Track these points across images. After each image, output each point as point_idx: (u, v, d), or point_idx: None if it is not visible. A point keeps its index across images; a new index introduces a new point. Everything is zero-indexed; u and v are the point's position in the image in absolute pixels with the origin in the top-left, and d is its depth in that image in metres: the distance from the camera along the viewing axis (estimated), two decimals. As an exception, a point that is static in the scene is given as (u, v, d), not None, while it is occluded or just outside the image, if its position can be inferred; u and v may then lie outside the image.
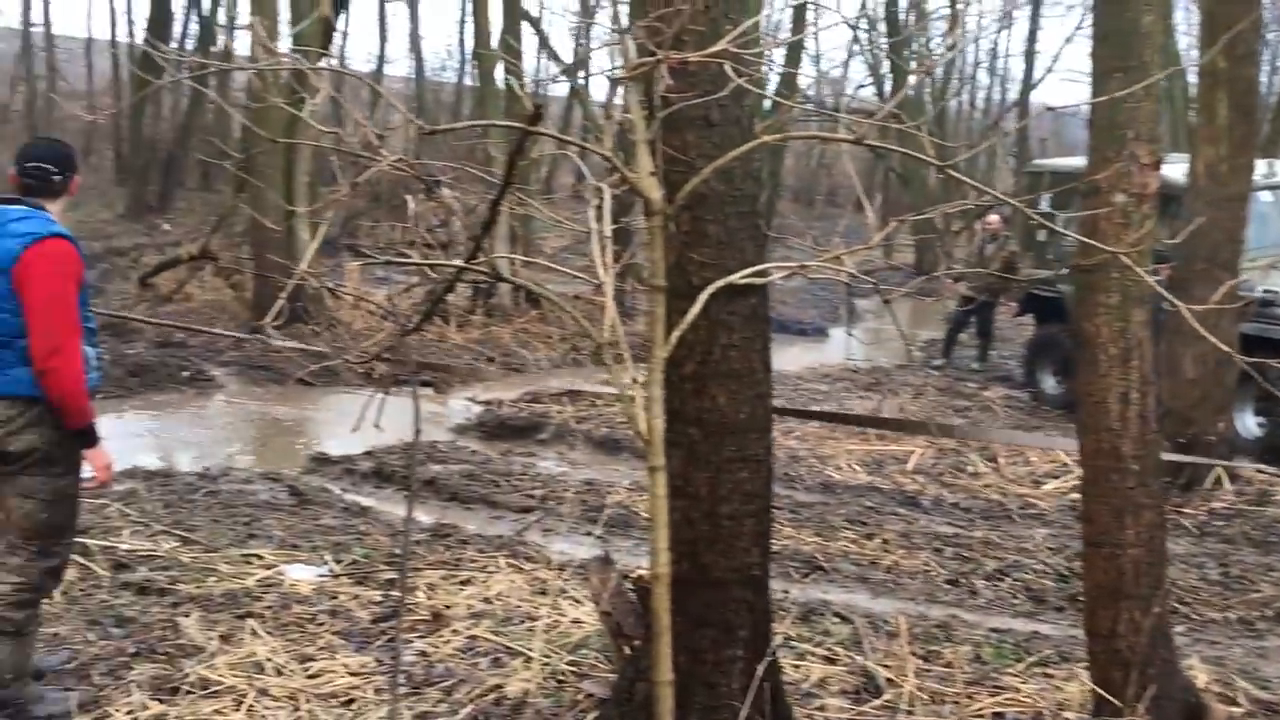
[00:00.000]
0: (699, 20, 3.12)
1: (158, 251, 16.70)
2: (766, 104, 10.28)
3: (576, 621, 4.94)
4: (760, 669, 3.32)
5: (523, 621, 4.97)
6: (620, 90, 2.98)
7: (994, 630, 5.36)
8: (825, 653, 4.74)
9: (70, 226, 3.99)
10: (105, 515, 6.18)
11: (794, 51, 19.96)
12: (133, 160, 26.85)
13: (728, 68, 2.86)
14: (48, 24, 36.44)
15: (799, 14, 18.66)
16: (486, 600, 5.29)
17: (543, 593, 5.39)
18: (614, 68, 3.21)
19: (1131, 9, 3.61)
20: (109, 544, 5.71)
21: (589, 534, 6.73)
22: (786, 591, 5.65)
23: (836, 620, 5.23)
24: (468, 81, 33.45)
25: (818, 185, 41.09)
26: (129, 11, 35.13)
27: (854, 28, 24.04)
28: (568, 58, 25.38)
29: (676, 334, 2.99)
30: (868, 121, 2.97)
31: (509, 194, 3.09)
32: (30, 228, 3.74)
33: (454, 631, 4.83)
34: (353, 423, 3.26)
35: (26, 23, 35.37)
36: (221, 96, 19.19)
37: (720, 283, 3.07)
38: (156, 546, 5.80)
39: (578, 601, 5.15)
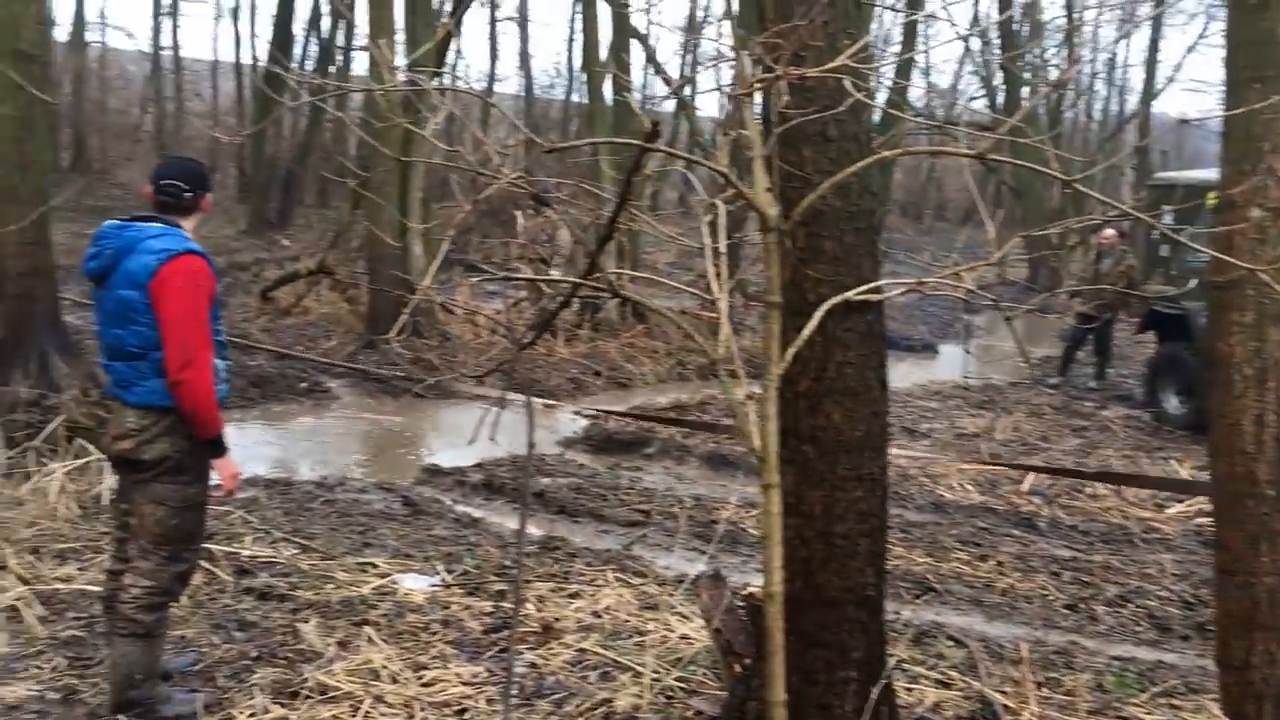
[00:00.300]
0: (817, 35, 3.10)
1: (277, 266, 17.21)
2: (875, 117, 10.17)
3: (685, 638, 4.92)
4: (875, 692, 3.27)
5: (631, 636, 4.98)
6: (734, 106, 2.97)
7: (1116, 658, 5.19)
8: (939, 677, 4.64)
9: (199, 242, 4.15)
10: (229, 522, 6.37)
11: (904, 64, 19.72)
12: (254, 178, 27.74)
13: (847, 83, 2.84)
14: (176, 48, 37.99)
15: (910, 27, 18.42)
16: (595, 614, 5.31)
17: (651, 607, 5.39)
18: (729, 84, 3.22)
19: (1267, 17, 3.47)
20: (232, 550, 5.89)
21: (696, 549, 6.71)
22: (898, 613, 5.55)
23: (950, 644, 5.12)
24: (576, 98, 33.85)
25: (926, 200, 40.50)
26: (253, 35, 36.36)
27: (965, 40, 23.66)
28: (675, 74, 25.48)
29: (792, 350, 2.97)
30: (992, 136, 2.91)
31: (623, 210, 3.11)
32: (165, 244, 3.88)
33: (563, 644, 4.86)
34: (466, 435, 3.31)
35: (156, 46, 36.89)
36: (340, 116, 19.72)
37: (837, 299, 3.04)
38: (277, 553, 5.95)
39: (686, 617, 5.14)
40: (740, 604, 3.89)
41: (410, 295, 11.99)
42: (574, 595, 5.57)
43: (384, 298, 12.80)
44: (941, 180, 40.89)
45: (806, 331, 3.00)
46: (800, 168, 3.17)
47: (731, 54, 3.17)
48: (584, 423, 10.06)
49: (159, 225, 3.96)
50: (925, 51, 26.73)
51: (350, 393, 11.12)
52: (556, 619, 5.17)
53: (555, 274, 10.31)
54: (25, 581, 5.27)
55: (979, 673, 4.62)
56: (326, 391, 11.06)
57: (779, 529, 2.95)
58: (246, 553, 5.89)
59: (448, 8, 17.29)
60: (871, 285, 3.16)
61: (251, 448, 8.71)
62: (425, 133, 3.41)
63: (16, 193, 8.99)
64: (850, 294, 3.08)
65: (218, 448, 4.04)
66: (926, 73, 31.45)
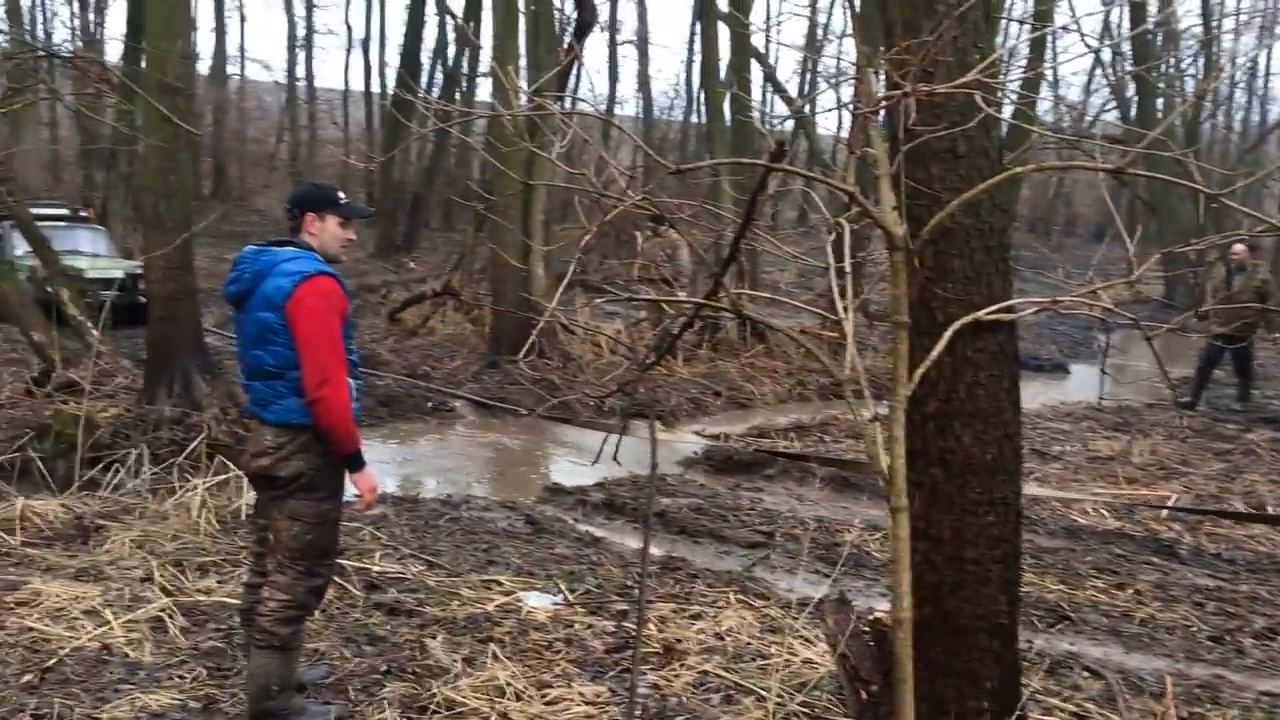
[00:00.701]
0: (946, 51, 3.05)
1: (404, 288, 17.67)
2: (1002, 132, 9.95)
3: (809, 662, 4.86)
4: (1008, 723, 3.18)
5: (754, 659, 4.93)
6: (860, 123, 2.94)
7: (1266, 694, 4.93)
8: (1075, 709, 4.47)
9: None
10: (359, 538, 6.53)
11: (1033, 78, 19.21)
12: (382, 202, 28.54)
13: (978, 98, 2.78)
14: (310, 78, 39.48)
15: (1038, 39, 17.98)
16: (717, 636, 5.28)
17: (774, 630, 5.34)
18: (854, 101, 3.19)
19: None
20: (363, 565, 6.02)
21: (819, 572, 6.62)
22: (1030, 642, 5.38)
23: (1087, 675, 4.94)
24: (695, 119, 33.98)
25: (1054, 216, 39.48)
26: (382, 64, 37.47)
27: (1096, 52, 22.99)
28: (794, 92, 25.37)
29: (920, 371, 2.91)
30: (1128, 149, 2.82)
31: (736, 229, 3.10)
32: (299, 266, 4.00)
33: (685, 666, 4.84)
34: (588, 454, 3.33)
35: (291, 78, 38.36)
36: (464, 141, 20.15)
37: (967, 319, 2.97)
38: (405, 569, 6.07)
39: (810, 641, 5.07)
40: (866, 629, 3.82)
41: (533, 316, 12.18)
42: (696, 616, 5.55)
43: (507, 318, 13.01)
44: (1070, 196, 39.81)
45: (935, 352, 2.94)
46: (928, 185, 3.12)
47: (854, 71, 3.14)
48: (704, 443, 10.04)
49: (293, 249, 4.09)
50: (1054, 66, 26.10)
51: (475, 412, 11.32)
52: (678, 640, 5.15)
53: (680, 295, 10.31)
54: (169, 593, 5.48)
55: (1118, 706, 4.44)
56: (451, 410, 11.28)
57: (907, 553, 2.89)
58: (376, 569, 6.02)
59: (568, 33, 17.54)
60: (1003, 305, 3.09)
61: (380, 465, 8.92)
62: (550, 156, 3.43)
63: (162, 220, 9.44)
64: (981, 313, 3.01)
65: (356, 462, 4.13)
66: (1055, 86, 30.68)
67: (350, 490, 4.21)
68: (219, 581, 5.73)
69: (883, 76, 3.18)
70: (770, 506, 8.08)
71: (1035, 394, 12.88)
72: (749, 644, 5.16)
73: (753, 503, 8.15)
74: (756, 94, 26.79)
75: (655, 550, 6.91)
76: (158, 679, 4.58)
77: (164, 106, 8.81)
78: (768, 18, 39.37)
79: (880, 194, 2.96)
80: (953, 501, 3.19)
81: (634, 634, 4.27)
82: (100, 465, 7.64)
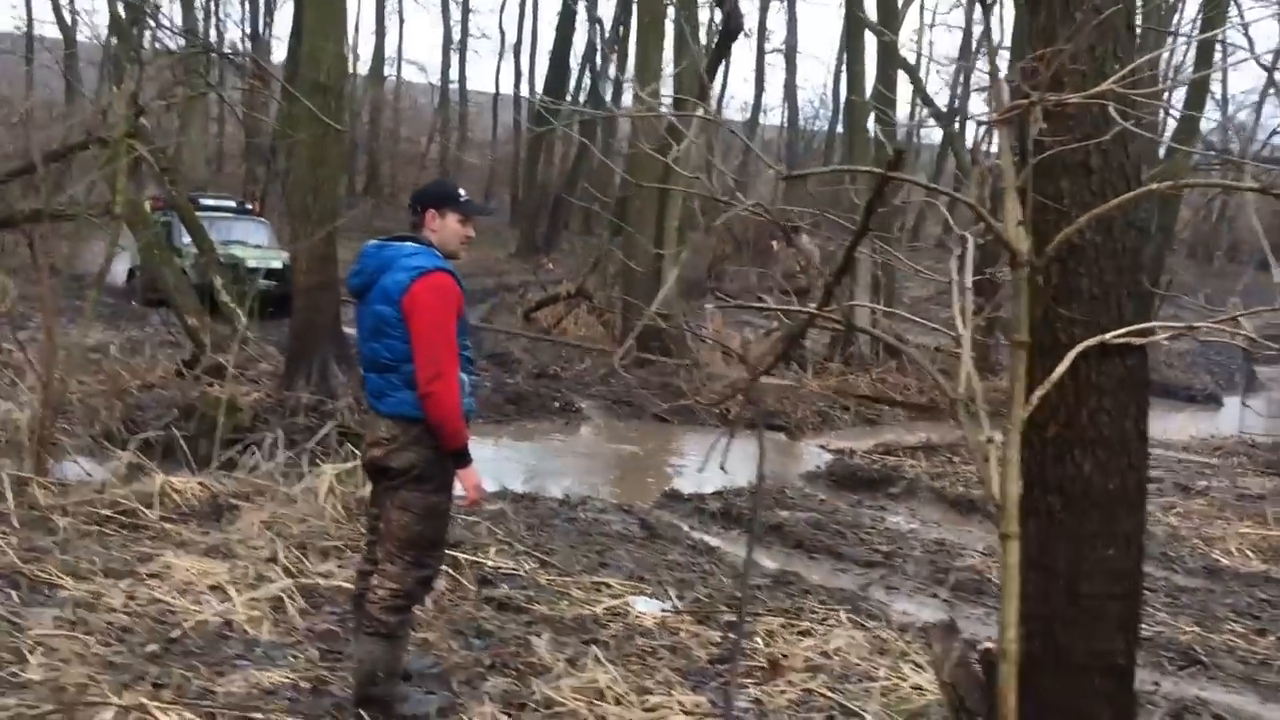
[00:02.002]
0: (1082, 60, 2.92)
1: (541, 289, 17.89)
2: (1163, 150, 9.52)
3: (917, 688, 4.72)
4: (1119, 769, 3.01)
5: (860, 680, 4.81)
6: (987, 134, 2.83)
7: None
8: (1198, 758, 4.24)
9: (465, 263, 4.33)
10: (476, 532, 6.62)
11: (1197, 93, 18.39)
12: (525, 204, 29.06)
13: (1111, 110, 2.65)
14: (462, 81, 40.46)
15: (1203, 53, 17.19)
16: (824, 654, 5.17)
17: (883, 652, 5.20)
18: (986, 112, 3.08)
19: None
20: (477, 560, 6.10)
21: (936, 596, 6.44)
22: (1157, 684, 5.12)
23: (1215, 724, 4.67)
24: (840, 130, 33.60)
25: (1217, 240, 37.72)
26: (531, 69, 38.21)
27: (1269, 69, 21.85)
28: (945, 104, 24.84)
29: (1039, 393, 2.79)
30: None
31: (868, 241, 3.03)
32: (418, 262, 4.07)
33: (789, 682, 4.75)
34: (703, 462, 3.28)
35: (444, 79, 39.37)
36: (608, 147, 20.36)
37: (1092, 341, 2.83)
38: (518, 566, 6.13)
39: (920, 667, 4.92)
40: (975, 658, 3.68)
41: (661, 320, 12.21)
42: (804, 633, 5.45)
43: (635, 322, 13.07)
44: (1234, 220, 37.98)
45: (1056, 374, 2.81)
46: (1058, 200, 2.98)
47: (987, 81, 3.03)
48: (828, 457, 9.91)
49: (413, 245, 4.16)
50: (1224, 81, 24.91)
51: (600, 413, 11.40)
52: (784, 656, 5.07)
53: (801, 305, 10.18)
54: (290, 575, 5.65)
55: (1247, 759, 4.19)
56: (578, 411, 11.38)
57: (1016, 582, 2.77)
58: (490, 563, 6.09)
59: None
60: (1133, 328, 2.93)
61: (503, 462, 9.06)
62: (670, 160, 3.41)
63: (309, 213, 9.78)
64: (1107, 336, 2.87)
65: (462, 458, 4.18)
66: (1223, 104, 29.30)
67: (457, 486, 4.25)
68: (339, 566, 5.87)
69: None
70: (891, 526, 7.91)
71: (1183, 425, 12.32)
72: (857, 664, 5.04)
73: (874, 521, 7.99)
74: (905, 107, 26.36)
75: (769, 563, 6.83)
76: (272, 657, 4.71)
77: (315, 104, 9.12)
78: (920, 29, 38.74)
79: (1005, 207, 2.85)
80: (1070, 531, 3.04)
81: (735, 645, 4.22)
82: (239, 447, 7.93)
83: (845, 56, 17.38)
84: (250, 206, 20.05)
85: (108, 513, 6.28)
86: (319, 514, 6.68)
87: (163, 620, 4.98)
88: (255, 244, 17.82)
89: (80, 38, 29.88)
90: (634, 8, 20.34)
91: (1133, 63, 2.86)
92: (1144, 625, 3.46)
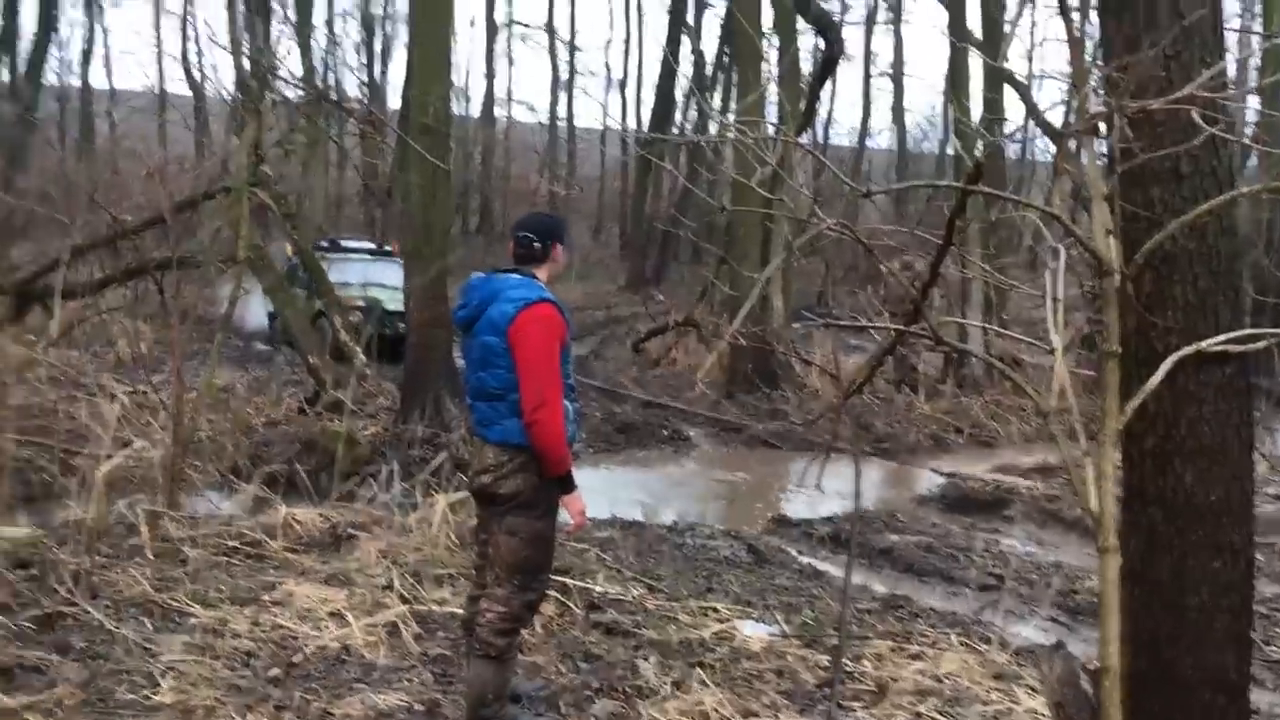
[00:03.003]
0: (1167, 66, 2.88)
1: (650, 320, 18.02)
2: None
3: (1031, 712, 4.62)
4: (1233, 788, 2.92)
5: (972, 705, 4.73)
6: (1070, 143, 2.82)
7: None
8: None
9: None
10: (585, 559, 6.70)
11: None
12: (634, 237, 29.30)
13: (1195, 115, 2.62)
14: (570, 119, 41.12)
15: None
16: (935, 678, 5.09)
17: (996, 677, 5.10)
18: (1070, 121, 3.07)
19: None
20: (585, 585, 6.17)
21: (1054, 620, 6.29)
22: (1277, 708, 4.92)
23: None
24: (951, 151, 33.16)
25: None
26: (638, 104, 38.77)
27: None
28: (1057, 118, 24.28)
29: (1134, 404, 2.75)
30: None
31: (958, 257, 3.03)
32: (523, 293, 4.19)
33: (898, 705, 4.70)
34: (798, 481, 3.31)
35: (553, 118, 40.09)
36: (713, 178, 20.47)
37: (1186, 350, 2.79)
38: (626, 591, 6.19)
39: (1033, 691, 4.82)
40: (1085, 679, 3.61)
41: (770, 347, 12.20)
42: (914, 656, 5.38)
43: (743, 351, 13.08)
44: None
45: (1151, 383, 2.77)
46: (1148, 208, 2.95)
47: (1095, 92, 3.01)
48: (940, 480, 9.75)
49: (518, 276, 4.29)
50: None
51: (708, 442, 11.43)
52: (893, 679, 5.01)
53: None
54: (406, 601, 5.81)
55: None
56: (686, 440, 11.43)
57: (1116, 597, 2.74)
58: (598, 589, 6.15)
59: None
60: (1231, 335, 2.87)
61: (613, 489, 9.15)
62: (752, 181, 3.46)
63: (421, 252, 10.07)
64: (1204, 344, 2.82)
65: (566, 485, 4.27)
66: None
67: (563, 513, 4.34)
68: (452, 593, 6.01)
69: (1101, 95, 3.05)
70: (1006, 549, 7.74)
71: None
72: (968, 689, 4.95)
73: (987, 544, 7.84)
74: (1015, 123, 25.84)
75: (879, 587, 6.76)
76: (389, 680, 4.85)
77: (423, 146, 9.42)
78: (1030, 47, 38.04)
79: (1092, 217, 2.83)
80: (1172, 544, 2.98)
81: (839, 665, 4.20)
82: (357, 479, 8.19)
83: (952, 77, 17.18)
84: (390, 248, 19.89)
85: (234, 543, 6.54)
86: (433, 543, 6.85)
87: (285, 645, 5.17)
88: (394, 285, 17.22)
89: (208, 93, 31.33)
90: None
91: (1218, 66, 2.82)
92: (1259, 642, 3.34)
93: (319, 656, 5.05)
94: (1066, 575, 7.02)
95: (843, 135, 39.17)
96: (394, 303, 15.64)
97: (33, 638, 4.83)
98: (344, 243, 18.21)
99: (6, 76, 24.80)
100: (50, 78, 30.93)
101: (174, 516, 6.78)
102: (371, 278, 16.90)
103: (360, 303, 15.23)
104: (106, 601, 5.35)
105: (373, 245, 19.26)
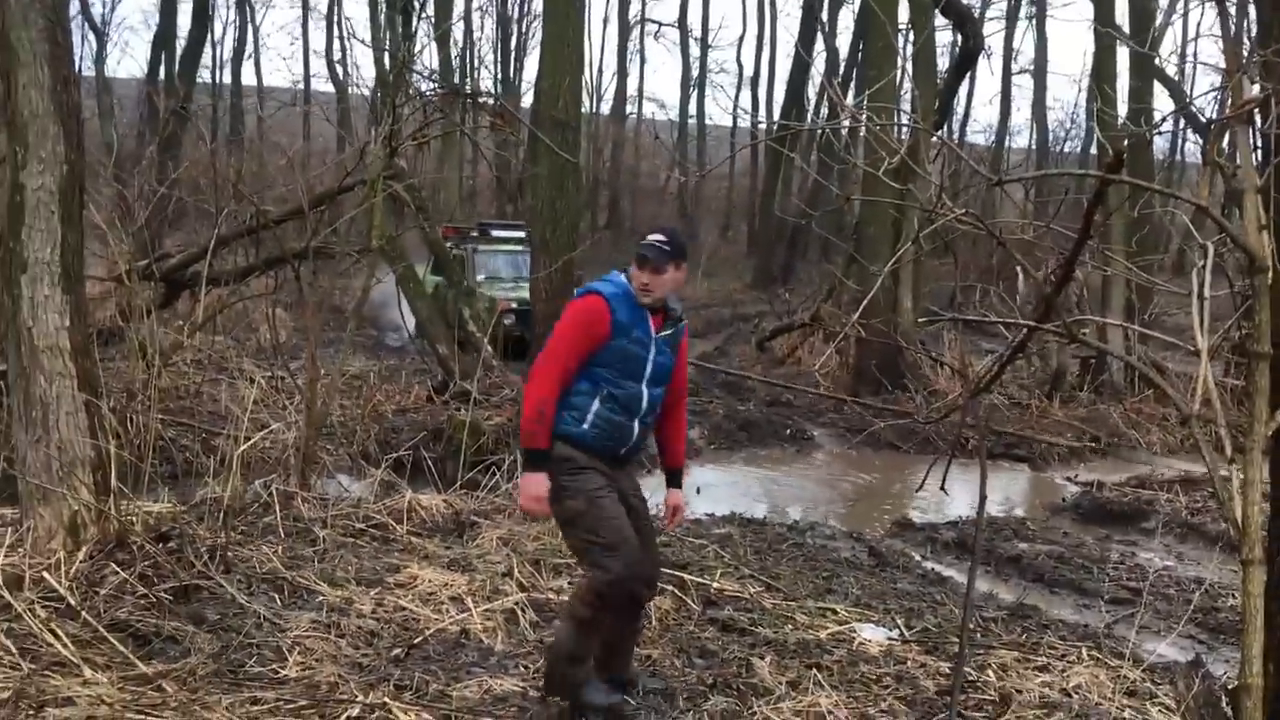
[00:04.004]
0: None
1: (776, 318, 17.88)
2: None
3: (1166, 731, 4.42)
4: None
5: (1100, 720, 4.55)
6: (1223, 132, 2.67)
7: None
8: None
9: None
10: (703, 555, 6.68)
11: None
12: (762, 234, 29.13)
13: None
14: (700, 115, 41.14)
15: None
16: (1064, 692, 4.91)
17: (1129, 694, 4.89)
18: (1224, 111, 2.90)
19: None
20: (703, 581, 6.14)
21: (1193, 638, 6.01)
22: None
23: None
24: (1094, 150, 32.10)
25: None
26: (769, 100, 38.48)
27: None
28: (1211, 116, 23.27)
29: (1285, 409, 2.59)
30: None
31: (1099, 255, 2.90)
32: (587, 285, 4.41)
33: (1021, 718, 4.54)
34: (944, 492, 3.22)
35: (683, 114, 40.15)
36: (845, 174, 20.19)
37: (1346, 352, 2.61)
38: (743, 589, 6.13)
39: (1167, 709, 4.60)
40: (1224, 698, 3.43)
41: (899, 350, 11.97)
42: (1041, 669, 5.19)
43: (870, 351, 12.87)
44: None
45: (1305, 388, 2.61)
46: (1306, 202, 2.77)
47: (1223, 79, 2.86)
48: (1075, 489, 9.42)
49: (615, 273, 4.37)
50: None
51: (832, 441, 11.28)
52: (1018, 690, 4.85)
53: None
54: (524, 589, 5.88)
55: None
56: (810, 439, 11.30)
57: (1260, 612, 2.59)
58: (715, 585, 6.12)
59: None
60: (1395, 337, 2.68)
61: (733, 486, 9.11)
62: (880, 173, 3.37)
63: (548, 245, 10.17)
64: (1365, 346, 2.63)
65: (528, 463, 4.26)
66: None
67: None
68: (569, 582, 6.05)
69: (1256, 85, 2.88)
70: (1143, 562, 7.43)
71: None
72: (1098, 704, 4.76)
73: (1123, 556, 7.54)
74: (1168, 123, 24.85)
75: (1006, 596, 6.56)
76: (505, 666, 4.91)
77: (552, 139, 9.52)
78: (1183, 40, 36.51)
79: (1244, 210, 2.68)
80: (1324, 559, 2.80)
81: (961, 672, 4.08)
82: (480, 467, 8.32)
83: (1097, 71, 16.56)
84: None
85: (362, 526, 6.72)
86: (552, 532, 6.91)
87: (406, 627, 5.28)
88: None
89: (350, 89, 32.30)
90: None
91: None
92: None
93: (438, 639, 5.14)
94: (1208, 592, 6.69)
95: (980, 133, 38.29)
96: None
97: (170, 608, 5.02)
98: (495, 232, 16.87)
99: (164, 73, 25.96)
100: (204, 75, 32.33)
101: (305, 497, 6.99)
102: (524, 271, 15.24)
103: (513, 304, 14.27)
104: (240, 577, 5.54)
105: (523, 234, 16.87)
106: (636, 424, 4.36)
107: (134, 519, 5.54)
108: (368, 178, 8.35)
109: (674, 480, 4.74)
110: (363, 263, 9.18)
